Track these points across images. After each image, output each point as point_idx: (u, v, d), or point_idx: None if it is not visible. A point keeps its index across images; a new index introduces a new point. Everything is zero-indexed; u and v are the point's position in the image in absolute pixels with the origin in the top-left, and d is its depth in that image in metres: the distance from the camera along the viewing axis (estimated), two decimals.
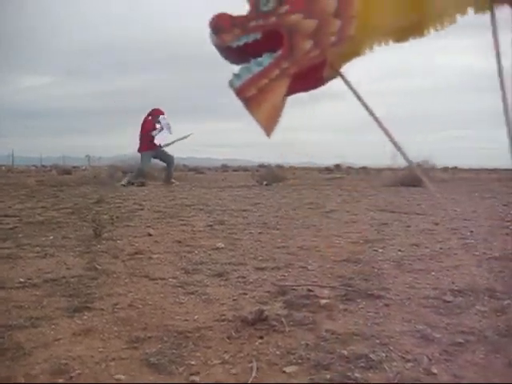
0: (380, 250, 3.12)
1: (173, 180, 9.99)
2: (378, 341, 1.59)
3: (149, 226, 4.12)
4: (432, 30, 1.08)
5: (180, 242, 3.44)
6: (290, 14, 0.98)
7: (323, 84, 1.15)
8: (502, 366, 1.41)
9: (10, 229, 3.98)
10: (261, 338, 1.63)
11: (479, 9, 1.09)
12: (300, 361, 1.44)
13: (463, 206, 5.77)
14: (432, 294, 2.14)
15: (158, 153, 9.89)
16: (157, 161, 10.32)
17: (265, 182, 10.33)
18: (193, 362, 1.44)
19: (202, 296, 2.12)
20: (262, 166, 23.65)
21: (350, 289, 2.21)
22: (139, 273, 2.53)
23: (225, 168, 31.15)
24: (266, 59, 1.00)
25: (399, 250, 3.11)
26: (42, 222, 4.34)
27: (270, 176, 10.84)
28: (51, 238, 3.55)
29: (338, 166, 27.52)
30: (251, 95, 1.01)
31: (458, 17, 1.07)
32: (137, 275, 2.48)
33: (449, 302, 2.03)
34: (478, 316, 1.85)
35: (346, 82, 1.14)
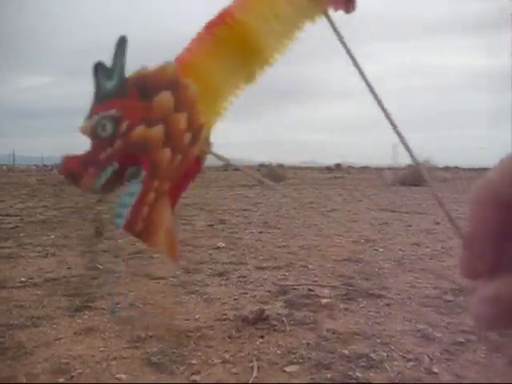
0: (381, 250, 3.12)
1: None
2: (378, 340, 1.59)
3: None
4: (276, 57, 1.05)
5: (181, 241, 3.44)
6: (133, 130, 0.90)
7: (199, 170, 1.14)
8: (503, 365, 1.41)
9: (11, 228, 3.99)
10: (261, 337, 1.63)
11: (313, 17, 1.06)
12: (301, 360, 1.44)
13: (464, 205, 5.76)
14: (433, 293, 2.14)
15: None
16: None
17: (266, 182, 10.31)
18: (194, 361, 1.44)
19: (203, 295, 2.12)
20: (262, 165, 23.64)
21: (350, 288, 2.21)
22: (140, 272, 2.53)
23: (225, 167, 31.12)
24: (134, 186, 0.92)
25: (400, 250, 3.11)
26: (44, 222, 4.34)
27: (271, 175, 10.84)
28: (52, 237, 3.56)
29: (338, 166, 27.49)
30: (140, 229, 0.93)
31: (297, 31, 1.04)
32: (138, 274, 2.48)
33: (450, 301, 2.02)
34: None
35: (220, 158, 1.08)
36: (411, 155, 1.22)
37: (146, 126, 0.91)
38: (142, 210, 0.91)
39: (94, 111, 0.95)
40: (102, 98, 0.95)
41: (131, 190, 0.92)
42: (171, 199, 0.94)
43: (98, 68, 0.96)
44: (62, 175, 0.93)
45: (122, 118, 0.92)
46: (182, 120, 0.89)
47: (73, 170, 0.96)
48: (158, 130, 0.90)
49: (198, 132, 0.91)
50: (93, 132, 0.93)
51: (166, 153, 0.90)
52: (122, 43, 0.95)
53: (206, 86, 0.95)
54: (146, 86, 0.93)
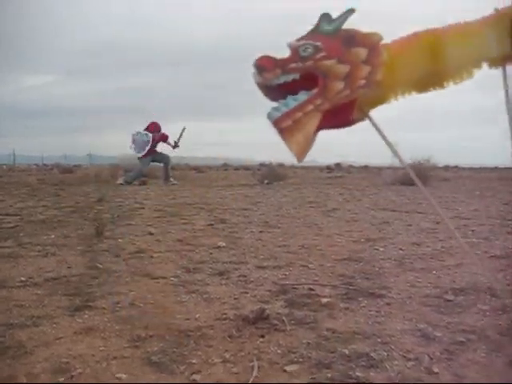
0: (381, 249, 3.12)
1: (171, 179, 10.03)
2: (379, 340, 1.59)
3: (150, 225, 4.12)
4: (451, 83, 1.26)
5: (181, 240, 3.44)
6: (326, 59, 1.14)
7: (352, 124, 1.31)
8: (503, 365, 1.41)
9: (11, 228, 3.99)
10: (262, 336, 1.63)
11: (493, 64, 1.27)
12: (301, 360, 1.44)
13: (464, 204, 5.77)
14: (433, 292, 2.14)
15: (155, 156, 10.16)
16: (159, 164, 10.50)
17: (266, 181, 10.33)
18: (194, 361, 1.44)
19: (203, 295, 2.12)
20: (263, 164, 23.65)
21: (351, 287, 2.21)
22: (140, 272, 2.53)
23: (226, 167, 31.15)
24: (301, 96, 1.13)
25: (400, 249, 3.11)
26: (44, 221, 4.34)
27: (271, 175, 10.84)
28: (52, 236, 3.56)
29: (338, 165, 27.50)
30: (286, 126, 1.14)
31: (475, 71, 1.26)
32: (138, 274, 2.48)
33: (450, 300, 2.02)
34: (479, 315, 1.85)
35: (374, 124, 1.29)
36: (399, 158, 1.39)
37: (336, 62, 1.15)
38: (296, 114, 1.12)
39: (305, 38, 1.21)
40: (316, 33, 1.21)
41: (297, 97, 1.15)
42: (321, 121, 1.13)
43: (324, 15, 1.24)
44: (254, 63, 1.18)
45: (322, 50, 1.16)
46: (364, 70, 1.13)
47: (264, 64, 1.20)
48: (343, 68, 1.14)
49: (371, 84, 1.14)
50: (295, 49, 1.18)
51: (340, 85, 1.13)
52: (350, 12, 1.23)
53: (391, 62, 1.18)
54: (352, 38, 1.18)
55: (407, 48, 1.26)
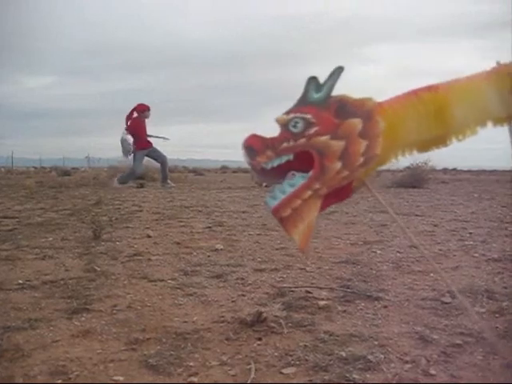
0: (379, 252, 3.12)
1: (169, 181, 9.85)
2: (376, 342, 1.59)
3: (148, 228, 4.12)
4: (454, 140, 1.22)
5: (179, 243, 3.44)
6: (319, 136, 1.06)
7: (351, 194, 1.27)
8: (501, 367, 1.41)
9: (8, 230, 3.98)
10: (259, 339, 1.63)
11: (498, 123, 1.24)
12: (298, 362, 1.44)
13: (462, 207, 5.78)
14: (430, 295, 2.14)
15: (151, 151, 9.72)
16: (155, 162, 10.19)
17: (264, 184, 10.32)
18: (191, 364, 1.44)
19: (201, 297, 2.12)
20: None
21: (348, 290, 2.21)
22: (138, 274, 2.53)
23: (224, 169, 31.15)
24: (298, 180, 1.08)
25: (398, 252, 3.12)
26: (41, 224, 4.34)
27: None
28: (50, 239, 3.55)
29: None
30: (286, 216, 1.09)
31: (479, 129, 1.22)
32: (136, 277, 2.48)
33: (447, 303, 2.03)
34: (476, 317, 1.85)
35: (371, 191, 1.27)
36: (379, 200, 1.33)
37: (330, 138, 1.07)
38: (295, 202, 1.06)
39: (293, 110, 1.14)
40: (304, 104, 1.13)
41: (294, 182, 1.09)
42: (321, 205, 1.10)
43: (311, 81, 1.15)
44: (243, 145, 1.10)
45: (314, 124, 1.09)
46: (362, 145, 1.05)
47: (254, 145, 1.12)
48: (339, 145, 1.06)
49: (370, 160, 1.07)
50: (285, 125, 1.10)
51: (338, 165, 1.06)
52: (339, 71, 1.14)
53: (391, 128, 1.12)
54: (345, 108, 1.10)
55: (409, 110, 1.18)
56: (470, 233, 3.88)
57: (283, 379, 1.34)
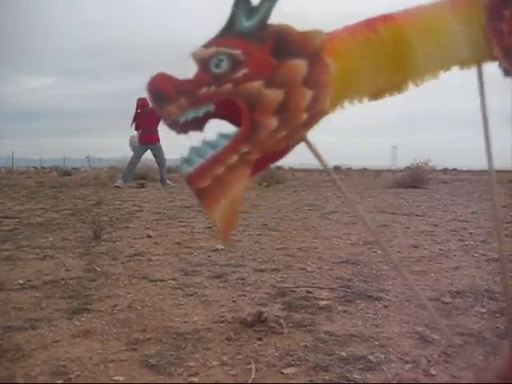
0: (379, 252, 3.12)
1: (168, 181, 9.80)
2: (376, 342, 1.59)
3: (148, 228, 4.12)
4: (411, 86, 0.99)
5: (179, 243, 3.44)
6: (250, 80, 0.81)
7: (288, 152, 0.95)
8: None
9: (9, 230, 3.98)
10: (260, 339, 1.63)
11: (464, 66, 1.01)
12: (299, 362, 1.44)
13: (462, 207, 5.77)
14: (431, 295, 2.14)
15: (154, 149, 9.63)
16: (154, 162, 10.19)
17: (264, 184, 10.33)
18: (192, 364, 1.44)
19: (201, 297, 2.12)
20: None
21: (348, 290, 2.21)
22: (138, 274, 2.53)
23: None
24: (220, 140, 0.83)
25: (398, 252, 3.12)
26: (42, 224, 4.34)
27: (270, 177, 10.84)
28: (51, 239, 3.56)
29: (337, 168, 27.53)
30: (204, 187, 0.84)
31: (441, 73, 1.01)
32: (136, 277, 2.48)
33: (448, 303, 2.03)
34: (476, 317, 1.85)
35: (311, 147, 0.95)
36: (320, 160, 0.99)
37: (264, 84, 0.81)
38: (216, 168, 0.81)
39: (215, 42, 0.85)
40: (231, 33, 0.84)
41: (215, 142, 0.83)
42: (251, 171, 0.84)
43: (239, 3, 0.84)
44: (147, 88, 0.84)
45: (243, 64, 0.82)
46: (306, 97, 0.80)
47: (162, 89, 0.83)
48: (276, 95, 0.80)
49: (316, 117, 0.83)
50: (203, 62, 0.83)
51: (273, 122, 0.80)
52: None
53: (343, 73, 0.88)
54: (285, 44, 0.83)
55: (364, 49, 0.93)
56: (471, 233, 3.88)
57: (284, 379, 1.35)
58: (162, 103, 0.83)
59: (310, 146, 0.94)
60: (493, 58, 1.00)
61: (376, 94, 0.97)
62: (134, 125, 9.69)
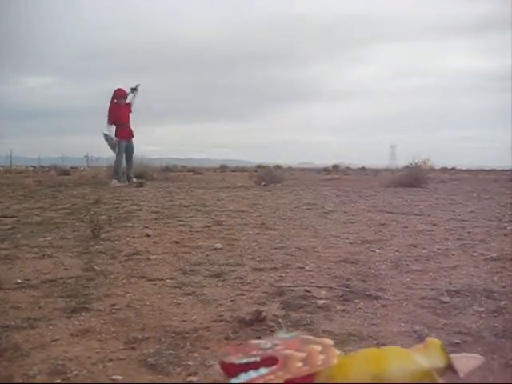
0: (377, 251, 3.13)
1: (134, 179, 9.65)
2: (375, 341, 1.60)
3: (147, 227, 4.12)
4: None
5: (178, 242, 3.44)
6: (284, 350, 1.13)
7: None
8: (499, 366, 1.41)
9: (7, 229, 3.98)
10: (258, 338, 1.63)
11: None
12: None
13: (461, 206, 5.78)
14: (429, 294, 2.15)
15: (128, 146, 9.62)
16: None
17: (263, 183, 10.34)
18: (190, 363, 1.44)
19: (200, 297, 2.12)
20: (260, 166, 23.67)
21: (347, 289, 2.21)
22: (137, 273, 2.53)
23: (223, 168, 31.15)
24: (262, 370, 1.10)
25: (397, 251, 3.12)
26: (40, 223, 4.34)
27: (269, 177, 10.84)
28: (49, 238, 3.55)
29: (336, 167, 27.56)
30: None
31: None
32: (135, 276, 2.48)
33: (446, 302, 2.03)
34: (475, 317, 1.85)
35: None
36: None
37: (294, 351, 1.11)
38: (258, 380, 1.07)
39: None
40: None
41: (259, 370, 1.10)
42: None
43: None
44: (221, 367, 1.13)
45: (280, 344, 1.15)
46: (320, 356, 1.08)
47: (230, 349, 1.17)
48: (301, 354, 1.11)
49: (328, 363, 1.05)
50: (255, 344, 1.15)
51: (299, 364, 1.08)
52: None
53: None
54: (308, 340, 1.14)
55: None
56: (469, 232, 3.89)
57: None
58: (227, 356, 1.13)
59: None
60: None
61: None
62: (110, 120, 9.51)
